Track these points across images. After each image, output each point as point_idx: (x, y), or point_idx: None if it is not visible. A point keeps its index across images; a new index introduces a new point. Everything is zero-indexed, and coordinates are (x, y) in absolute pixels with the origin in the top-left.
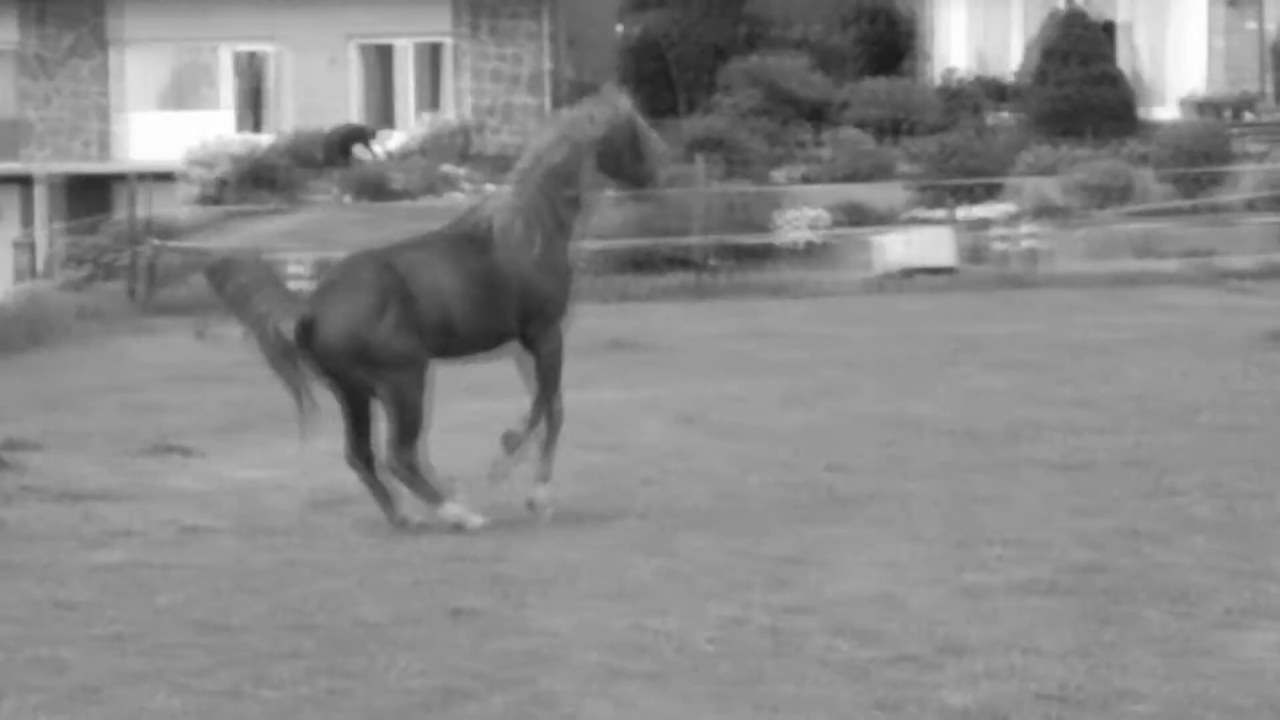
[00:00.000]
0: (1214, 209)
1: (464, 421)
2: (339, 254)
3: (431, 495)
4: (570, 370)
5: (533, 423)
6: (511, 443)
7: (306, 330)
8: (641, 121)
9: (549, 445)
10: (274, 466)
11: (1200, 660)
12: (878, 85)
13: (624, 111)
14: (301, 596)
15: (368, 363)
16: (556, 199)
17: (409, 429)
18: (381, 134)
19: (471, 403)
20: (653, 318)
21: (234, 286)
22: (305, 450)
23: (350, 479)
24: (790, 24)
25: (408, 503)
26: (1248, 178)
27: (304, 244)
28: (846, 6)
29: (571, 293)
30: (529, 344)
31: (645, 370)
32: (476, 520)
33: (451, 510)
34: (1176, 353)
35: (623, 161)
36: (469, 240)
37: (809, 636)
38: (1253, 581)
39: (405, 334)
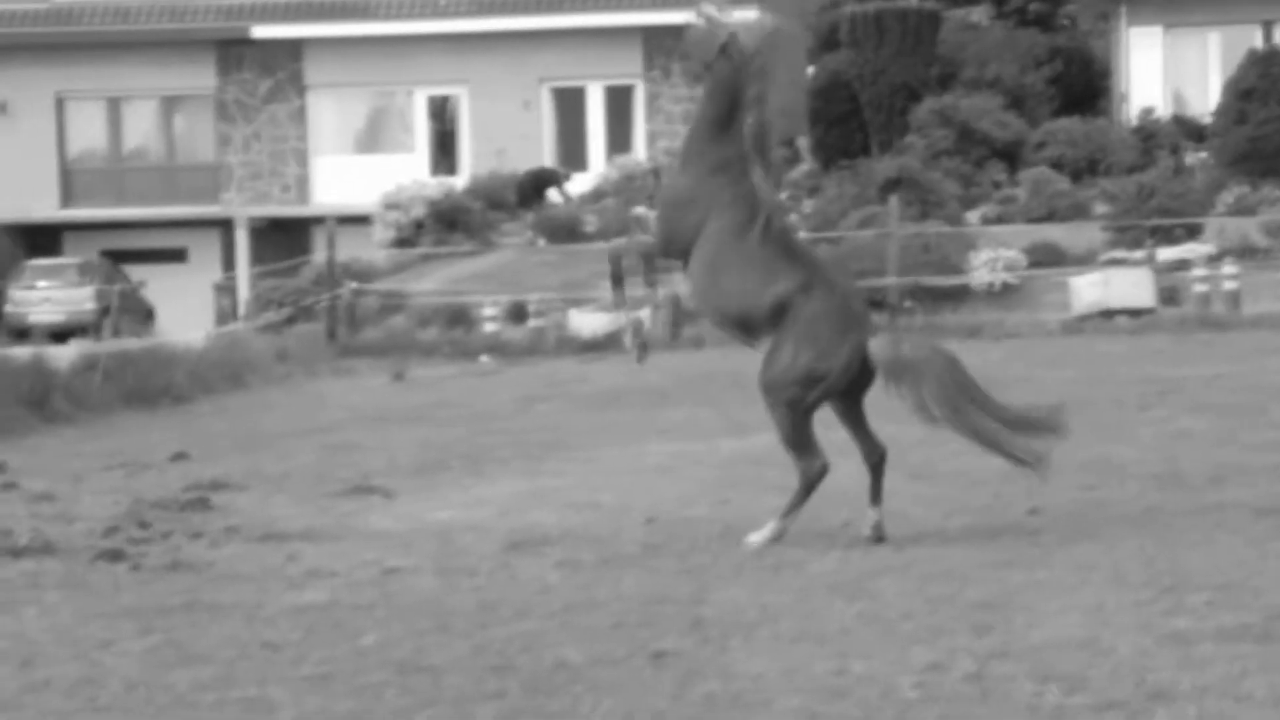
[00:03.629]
0: None
1: (659, 463)
2: (531, 296)
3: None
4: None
5: None
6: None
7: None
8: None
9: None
10: (471, 507)
11: None
12: (1072, 125)
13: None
14: (502, 638)
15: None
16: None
17: None
18: (573, 176)
19: (666, 444)
20: None
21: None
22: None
23: (549, 520)
24: (983, 64)
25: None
26: None
27: (496, 286)
28: (1040, 47)
29: None
30: None
31: None
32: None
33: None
34: None
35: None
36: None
37: (1014, 682)
38: None
39: None
